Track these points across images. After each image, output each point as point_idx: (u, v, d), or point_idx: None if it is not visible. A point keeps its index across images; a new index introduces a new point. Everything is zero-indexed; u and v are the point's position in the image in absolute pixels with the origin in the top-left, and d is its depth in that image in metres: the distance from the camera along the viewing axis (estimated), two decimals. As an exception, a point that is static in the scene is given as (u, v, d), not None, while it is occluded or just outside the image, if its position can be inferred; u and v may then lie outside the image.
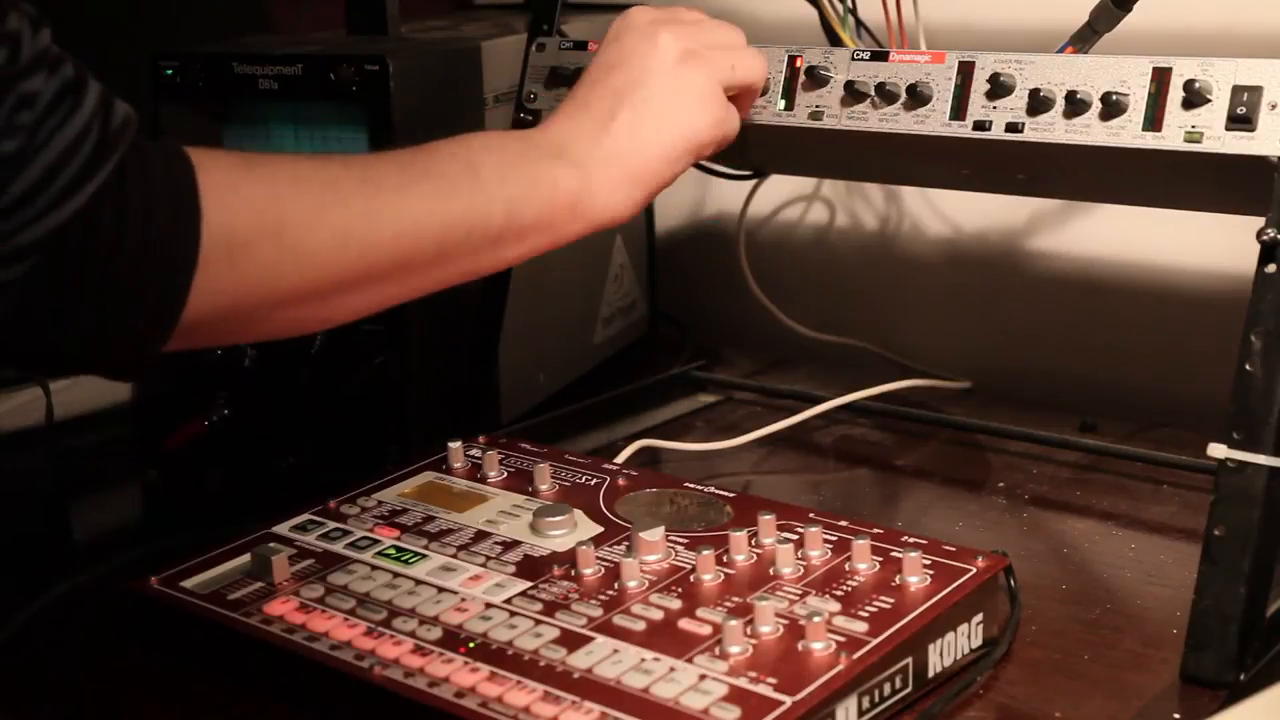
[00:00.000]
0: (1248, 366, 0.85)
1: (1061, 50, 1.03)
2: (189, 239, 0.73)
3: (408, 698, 0.80)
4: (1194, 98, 0.90)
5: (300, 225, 0.78)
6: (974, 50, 0.99)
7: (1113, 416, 1.30)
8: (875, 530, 0.94)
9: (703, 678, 0.79)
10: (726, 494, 1.01)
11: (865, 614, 0.84)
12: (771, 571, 0.90)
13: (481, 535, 0.98)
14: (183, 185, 0.73)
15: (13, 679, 0.93)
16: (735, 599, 0.87)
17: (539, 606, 0.88)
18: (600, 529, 0.98)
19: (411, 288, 0.87)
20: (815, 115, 1.05)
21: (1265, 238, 0.85)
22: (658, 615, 0.86)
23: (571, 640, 0.84)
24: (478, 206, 0.87)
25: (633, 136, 0.95)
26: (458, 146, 0.90)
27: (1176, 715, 0.84)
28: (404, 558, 0.95)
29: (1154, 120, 0.91)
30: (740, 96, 1.03)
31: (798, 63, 1.06)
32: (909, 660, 0.83)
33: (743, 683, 0.78)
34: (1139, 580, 1.02)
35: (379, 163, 0.86)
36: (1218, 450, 0.86)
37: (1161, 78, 0.91)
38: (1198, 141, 0.90)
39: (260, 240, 0.77)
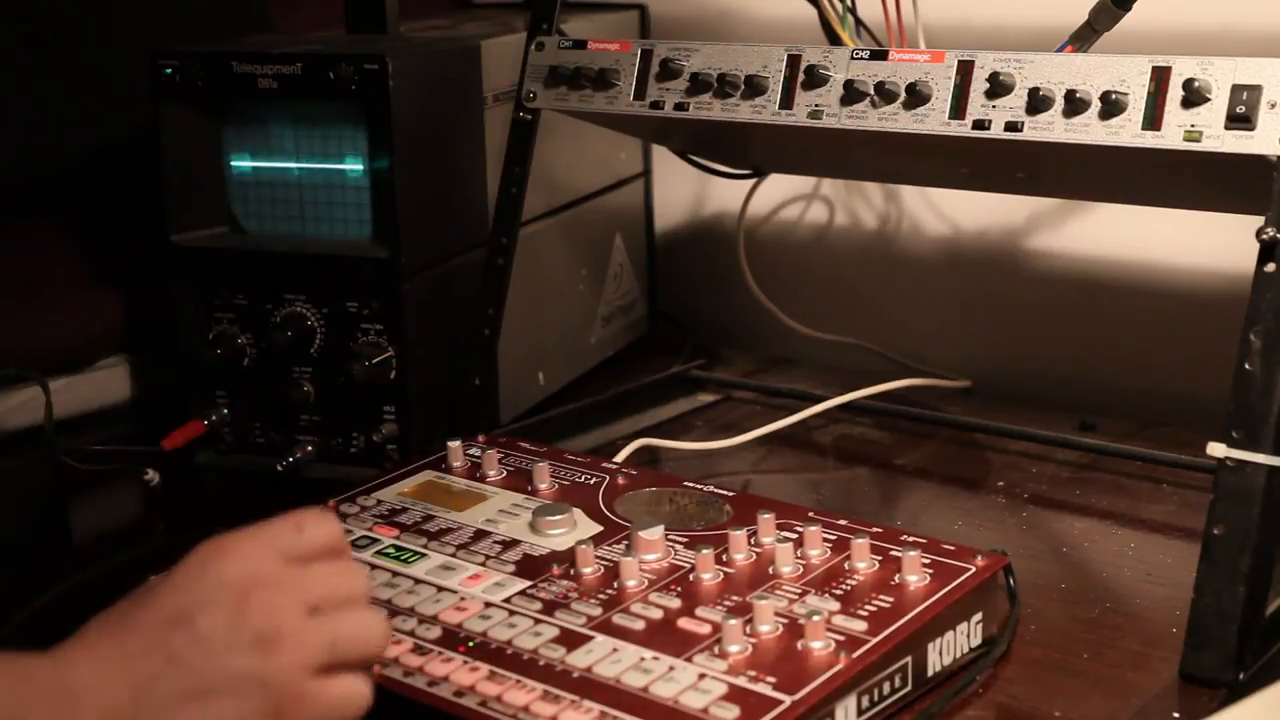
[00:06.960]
0: (1247, 365, 0.85)
1: (1061, 49, 1.03)
2: None
3: (407, 696, 0.80)
4: (1193, 97, 0.90)
5: None
6: (973, 49, 0.99)
7: (1112, 416, 1.30)
8: (874, 529, 0.94)
9: (702, 677, 0.79)
10: (726, 493, 1.01)
11: (864, 613, 0.84)
12: (771, 570, 0.90)
13: (481, 534, 0.98)
14: None
15: (12, 678, 0.93)
16: (734, 598, 0.87)
17: (538, 605, 0.88)
18: (599, 528, 0.98)
19: None
20: (815, 114, 1.05)
21: (1265, 237, 0.85)
22: (657, 614, 0.86)
23: (571, 639, 0.84)
24: None
25: None
26: None
27: (1176, 714, 0.84)
28: (403, 557, 0.95)
29: (1153, 119, 0.91)
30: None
31: (797, 62, 1.06)
32: (908, 659, 0.83)
33: (742, 682, 0.78)
34: (1138, 579, 1.02)
35: None
36: (1217, 449, 0.86)
37: (1161, 77, 0.91)
38: (1197, 140, 0.90)
39: None
